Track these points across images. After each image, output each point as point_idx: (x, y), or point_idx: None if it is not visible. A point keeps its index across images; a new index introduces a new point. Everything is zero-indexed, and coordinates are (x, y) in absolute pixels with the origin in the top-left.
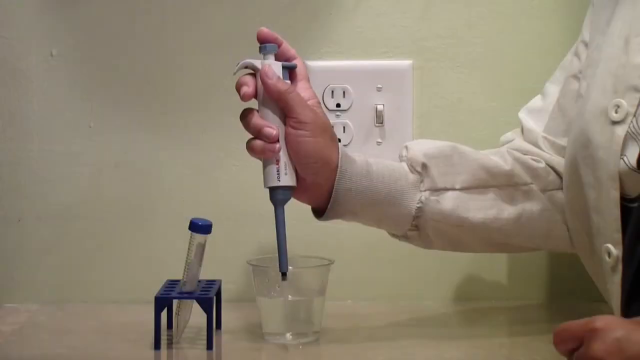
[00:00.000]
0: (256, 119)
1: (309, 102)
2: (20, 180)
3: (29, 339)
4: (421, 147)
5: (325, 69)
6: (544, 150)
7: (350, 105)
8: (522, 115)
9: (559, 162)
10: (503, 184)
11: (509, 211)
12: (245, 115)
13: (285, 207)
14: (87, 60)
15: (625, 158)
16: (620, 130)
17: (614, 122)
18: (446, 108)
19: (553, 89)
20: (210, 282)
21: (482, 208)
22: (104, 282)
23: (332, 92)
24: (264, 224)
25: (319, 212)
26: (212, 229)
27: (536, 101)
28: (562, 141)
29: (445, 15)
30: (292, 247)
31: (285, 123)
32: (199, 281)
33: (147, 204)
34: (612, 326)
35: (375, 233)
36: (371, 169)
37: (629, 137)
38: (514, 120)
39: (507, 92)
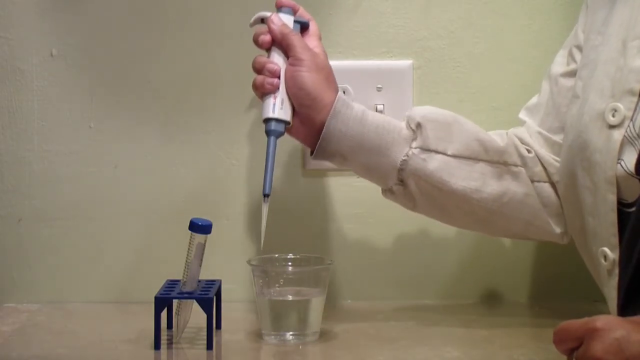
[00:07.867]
0: (262, 58)
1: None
2: (20, 180)
3: (29, 339)
4: (423, 110)
5: None
6: (537, 146)
7: None
8: (521, 115)
9: (549, 156)
10: (494, 159)
11: (492, 187)
12: (255, 59)
13: (288, 208)
14: (87, 60)
15: (622, 162)
16: (617, 134)
17: (611, 126)
18: (446, 108)
19: (545, 85)
20: (210, 282)
21: (467, 178)
22: (104, 282)
23: None
24: None
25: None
26: (212, 229)
27: (533, 99)
28: (556, 137)
29: (445, 15)
30: (292, 247)
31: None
32: (199, 281)
33: (147, 204)
34: (611, 326)
35: (375, 233)
36: (366, 117)
37: (626, 141)
38: (513, 120)
39: (507, 91)
